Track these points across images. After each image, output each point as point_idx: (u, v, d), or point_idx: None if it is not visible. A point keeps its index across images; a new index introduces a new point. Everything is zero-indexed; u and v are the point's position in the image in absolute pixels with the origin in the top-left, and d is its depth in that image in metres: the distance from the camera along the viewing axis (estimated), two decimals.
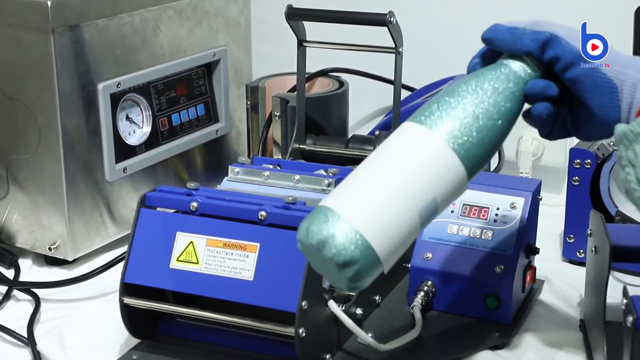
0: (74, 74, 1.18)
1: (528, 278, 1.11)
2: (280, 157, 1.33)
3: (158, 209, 1.02)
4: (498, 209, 1.09)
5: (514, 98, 0.84)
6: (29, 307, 1.14)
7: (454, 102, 0.82)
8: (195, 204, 1.00)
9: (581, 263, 1.21)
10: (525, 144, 1.44)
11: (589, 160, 1.20)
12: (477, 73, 0.85)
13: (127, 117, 1.29)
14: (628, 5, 1.20)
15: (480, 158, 0.82)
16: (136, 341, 1.04)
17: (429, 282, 1.08)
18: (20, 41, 1.17)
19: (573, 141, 1.40)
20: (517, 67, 0.85)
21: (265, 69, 1.53)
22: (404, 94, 1.44)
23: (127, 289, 1.00)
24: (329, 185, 1.07)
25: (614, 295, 0.94)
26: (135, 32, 1.27)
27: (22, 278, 1.22)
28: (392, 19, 1.20)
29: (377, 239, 0.77)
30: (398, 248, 0.79)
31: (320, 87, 1.45)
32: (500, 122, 0.82)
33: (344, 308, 1.00)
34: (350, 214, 0.77)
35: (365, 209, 0.78)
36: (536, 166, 1.46)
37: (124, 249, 1.21)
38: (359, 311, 1.04)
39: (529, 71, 0.85)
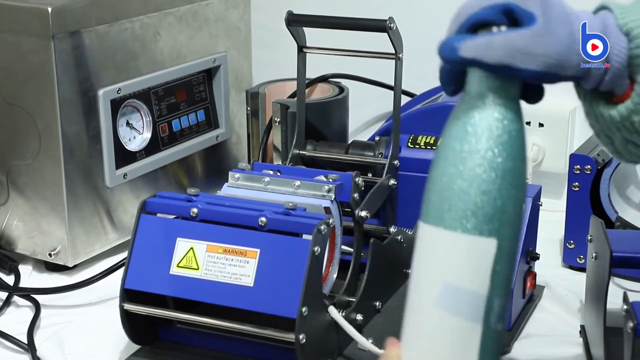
0: (74, 79, 1.18)
1: (528, 284, 1.11)
2: (280, 163, 1.33)
3: (158, 214, 1.02)
4: None
5: (508, 146, 0.74)
6: (29, 313, 1.14)
7: (454, 185, 0.70)
8: (195, 210, 1.00)
9: (581, 269, 1.21)
10: None
11: (589, 166, 1.20)
12: (456, 137, 0.71)
13: (128, 123, 1.29)
14: None
15: (511, 223, 0.72)
16: (136, 347, 1.03)
17: None
18: (20, 47, 1.17)
19: (573, 147, 1.41)
20: (496, 113, 0.71)
21: (265, 74, 1.53)
22: (404, 99, 1.44)
23: (127, 295, 1.00)
24: (329, 191, 1.07)
25: (614, 301, 0.94)
26: (136, 38, 1.27)
27: (22, 284, 1.21)
28: (392, 24, 1.19)
29: None
30: None
31: (320, 92, 1.45)
32: (511, 177, 0.74)
33: (344, 314, 1.00)
34: None
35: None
36: (536, 172, 1.46)
37: (124, 254, 1.21)
38: (359, 317, 1.04)
39: (509, 109, 0.72)
